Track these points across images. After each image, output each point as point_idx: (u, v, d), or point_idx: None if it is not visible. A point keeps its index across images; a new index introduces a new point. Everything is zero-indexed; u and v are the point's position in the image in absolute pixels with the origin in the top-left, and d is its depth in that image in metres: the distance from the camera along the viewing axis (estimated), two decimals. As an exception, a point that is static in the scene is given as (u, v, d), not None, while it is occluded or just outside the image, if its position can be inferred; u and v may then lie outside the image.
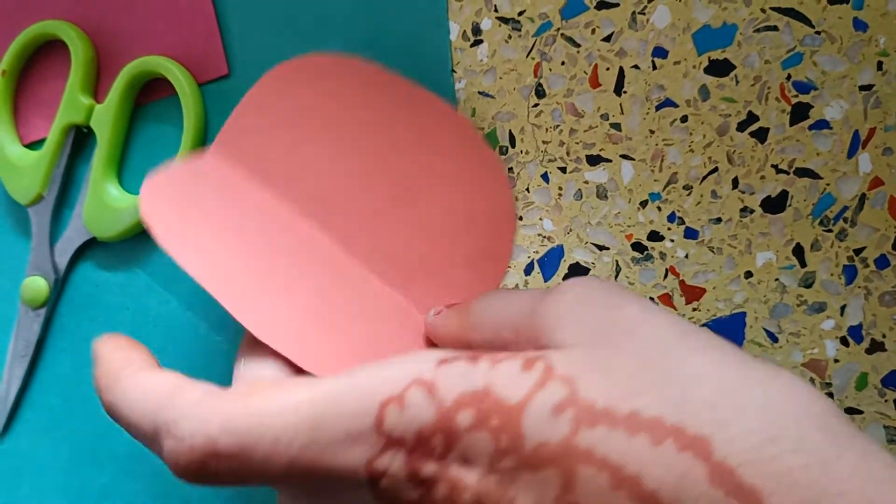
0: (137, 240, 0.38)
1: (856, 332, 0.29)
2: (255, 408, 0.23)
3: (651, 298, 0.31)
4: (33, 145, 0.40)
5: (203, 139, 0.37)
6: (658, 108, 0.31)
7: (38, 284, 0.38)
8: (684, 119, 0.31)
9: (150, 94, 0.38)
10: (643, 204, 0.31)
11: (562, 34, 0.32)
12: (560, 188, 0.32)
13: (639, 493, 0.19)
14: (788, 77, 0.29)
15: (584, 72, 0.32)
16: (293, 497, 0.24)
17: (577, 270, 0.32)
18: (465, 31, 0.33)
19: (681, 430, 0.19)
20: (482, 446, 0.21)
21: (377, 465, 0.22)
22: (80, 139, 0.39)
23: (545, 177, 0.32)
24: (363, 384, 0.22)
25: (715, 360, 0.21)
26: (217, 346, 0.36)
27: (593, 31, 0.32)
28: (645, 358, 0.21)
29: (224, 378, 0.36)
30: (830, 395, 0.29)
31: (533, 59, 0.32)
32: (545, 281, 0.32)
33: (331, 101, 0.31)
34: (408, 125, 0.30)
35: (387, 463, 0.22)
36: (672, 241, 0.31)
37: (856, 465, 0.18)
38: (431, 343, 0.29)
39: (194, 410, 0.23)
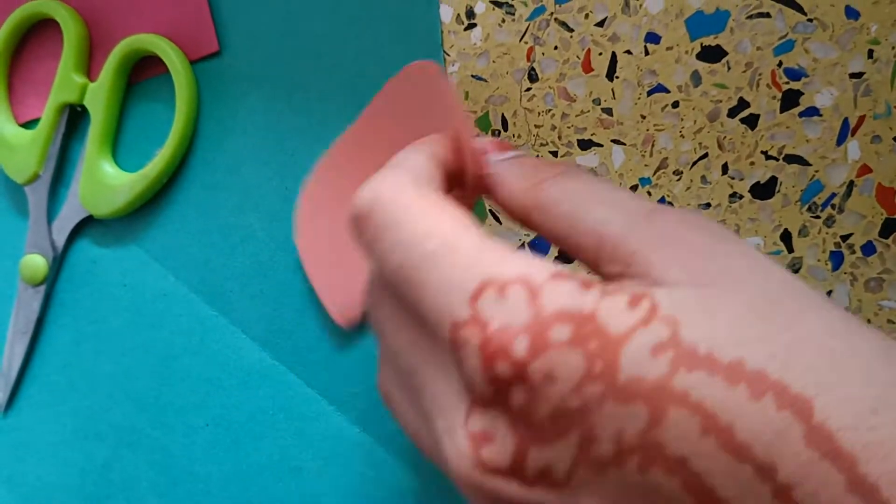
0: (133, 217, 0.38)
1: (840, 317, 0.30)
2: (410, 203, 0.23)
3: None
4: (28, 125, 0.40)
5: (195, 116, 0.37)
6: (650, 93, 0.31)
7: (36, 262, 0.39)
8: (675, 105, 0.31)
9: (143, 72, 0.38)
10: (633, 188, 0.31)
11: (555, 18, 0.32)
12: (552, 172, 0.32)
13: (730, 443, 0.19)
14: (780, 64, 0.29)
15: (577, 56, 0.32)
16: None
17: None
18: (458, 15, 0.33)
19: (784, 388, 0.19)
20: (572, 365, 0.20)
21: (461, 333, 0.21)
22: (75, 118, 0.39)
23: (537, 160, 0.32)
24: (478, 252, 0.22)
25: (824, 321, 0.20)
26: (212, 319, 0.37)
27: (586, 16, 0.31)
28: (753, 308, 0.20)
29: (218, 351, 0.36)
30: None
31: (526, 43, 0.32)
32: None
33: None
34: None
35: (467, 337, 0.21)
36: (662, 225, 0.31)
37: None
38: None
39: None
